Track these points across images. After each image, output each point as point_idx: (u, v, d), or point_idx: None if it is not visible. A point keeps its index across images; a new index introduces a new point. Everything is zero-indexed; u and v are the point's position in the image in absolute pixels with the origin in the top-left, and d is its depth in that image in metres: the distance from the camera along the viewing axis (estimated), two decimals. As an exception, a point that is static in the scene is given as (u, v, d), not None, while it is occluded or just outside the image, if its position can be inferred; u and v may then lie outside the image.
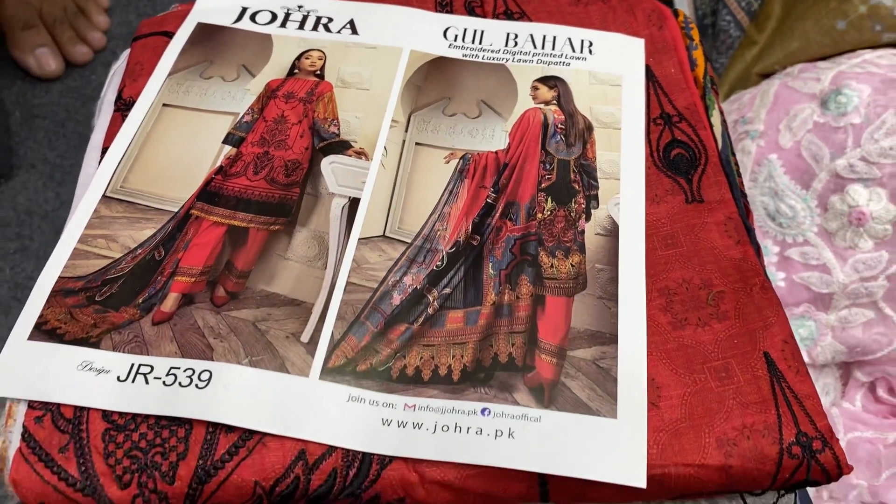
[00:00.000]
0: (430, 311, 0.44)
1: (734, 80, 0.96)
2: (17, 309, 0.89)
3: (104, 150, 0.51)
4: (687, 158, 0.52)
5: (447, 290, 0.45)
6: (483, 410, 0.40)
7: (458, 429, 0.39)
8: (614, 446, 0.39)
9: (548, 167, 0.50)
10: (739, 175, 0.55)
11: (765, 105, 0.84)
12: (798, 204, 0.79)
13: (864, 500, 0.78)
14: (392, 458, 0.39)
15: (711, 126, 0.55)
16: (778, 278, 0.80)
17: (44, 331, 0.42)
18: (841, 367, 0.83)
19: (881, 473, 0.77)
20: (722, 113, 0.57)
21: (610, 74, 0.55)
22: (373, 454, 0.39)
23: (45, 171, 0.99)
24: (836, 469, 0.40)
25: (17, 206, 0.96)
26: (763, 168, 0.81)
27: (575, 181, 0.49)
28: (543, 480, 0.39)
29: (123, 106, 0.54)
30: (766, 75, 0.91)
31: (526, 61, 0.56)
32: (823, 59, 0.86)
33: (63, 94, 1.06)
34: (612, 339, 0.42)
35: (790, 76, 0.85)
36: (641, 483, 0.38)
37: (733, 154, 0.56)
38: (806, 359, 0.80)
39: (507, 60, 0.56)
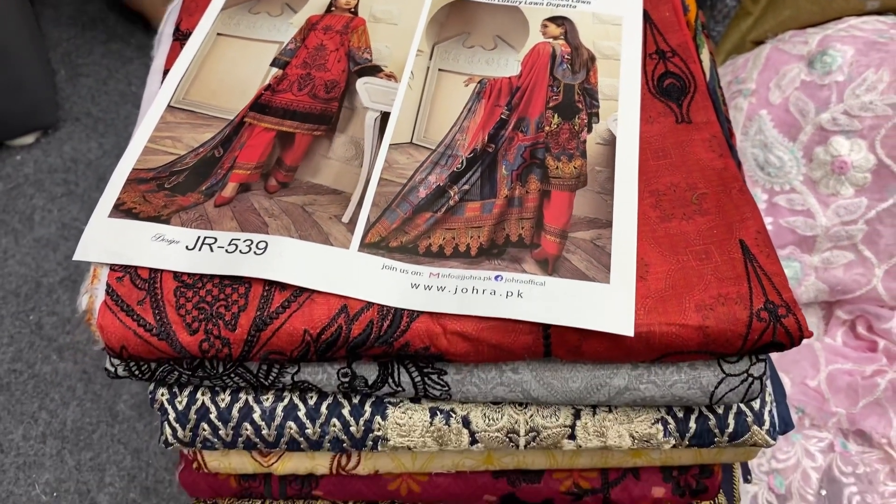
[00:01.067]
0: (451, 202, 0.51)
1: (730, 48, 1.03)
2: (64, 246, 0.96)
3: (165, 72, 0.59)
4: (678, 87, 0.59)
5: (466, 187, 0.52)
6: (496, 277, 0.47)
7: (475, 290, 0.46)
8: (607, 304, 0.46)
9: (555, 90, 0.57)
10: (725, 105, 0.62)
11: (757, 66, 0.91)
12: (785, 155, 0.85)
13: (843, 427, 0.85)
14: (419, 313, 0.46)
15: (701, 62, 0.61)
16: (766, 223, 0.87)
17: (121, 210, 0.50)
18: (823, 306, 0.89)
19: (858, 402, 0.84)
20: (711, 53, 0.64)
21: (611, 16, 0.62)
22: (403, 309, 0.46)
23: (89, 123, 1.07)
24: (797, 332, 0.46)
25: (64, 155, 1.03)
26: (754, 123, 0.88)
27: (579, 101, 0.56)
28: (547, 334, 0.46)
29: (181, 36, 0.61)
30: (760, 42, 0.98)
31: (536, 4, 0.63)
32: (812, 26, 0.93)
33: (104, 56, 1.13)
34: (608, 224, 0.49)
35: (781, 41, 0.92)
36: (630, 332, 0.45)
37: (720, 87, 0.63)
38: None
39: (520, 3, 0.63)
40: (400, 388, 0.50)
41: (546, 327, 0.46)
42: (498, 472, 0.58)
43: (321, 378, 0.50)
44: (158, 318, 0.46)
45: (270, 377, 0.50)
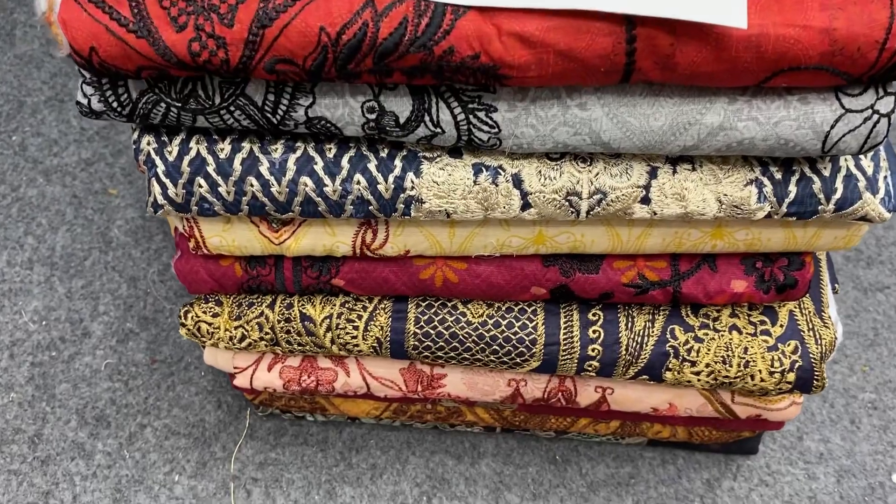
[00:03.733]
0: None
1: None
2: (50, 64, 0.87)
3: None
4: None
5: None
6: (567, -29, 0.37)
7: (538, -18, 0.36)
8: (712, -8, 0.35)
9: None
10: None
11: None
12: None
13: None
14: (467, 9, 0.36)
15: None
16: None
17: None
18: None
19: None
20: None
21: None
22: (445, 4, 0.36)
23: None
24: (952, 37, 0.36)
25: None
26: None
27: None
28: (631, 36, 0.36)
29: None
30: None
31: None
32: None
33: None
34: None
35: None
36: (742, 23, 0.34)
37: None
38: None
39: None
40: (439, 130, 0.41)
41: (631, 27, 0.36)
42: (549, 257, 0.49)
43: (342, 113, 0.41)
44: (136, 9, 0.36)
45: (280, 111, 0.40)
